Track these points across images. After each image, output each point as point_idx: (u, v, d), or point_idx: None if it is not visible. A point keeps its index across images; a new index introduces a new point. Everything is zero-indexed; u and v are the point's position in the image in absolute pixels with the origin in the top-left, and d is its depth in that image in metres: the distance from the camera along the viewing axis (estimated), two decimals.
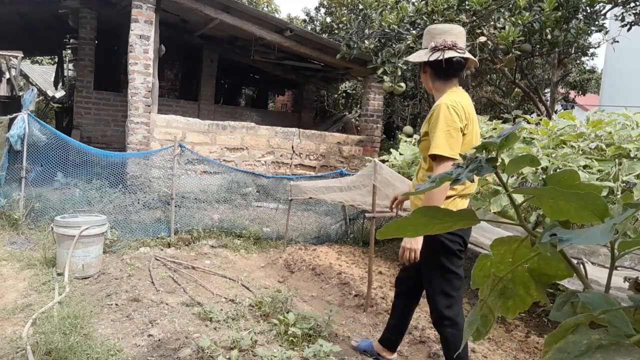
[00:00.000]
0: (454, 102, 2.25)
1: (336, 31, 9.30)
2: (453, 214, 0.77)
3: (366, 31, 6.87)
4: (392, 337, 2.79)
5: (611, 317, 0.59)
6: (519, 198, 3.24)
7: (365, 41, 6.79)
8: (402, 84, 6.35)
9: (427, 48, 2.37)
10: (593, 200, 0.66)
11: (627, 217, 0.61)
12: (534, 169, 3.31)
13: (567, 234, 0.61)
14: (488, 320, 0.84)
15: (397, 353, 2.85)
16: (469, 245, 3.87)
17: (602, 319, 0.60)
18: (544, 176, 2.77)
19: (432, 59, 2.31)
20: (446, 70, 2.34)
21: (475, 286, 0.88)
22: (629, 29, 6.17)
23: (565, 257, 0.74)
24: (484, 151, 0.76)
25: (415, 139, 5.66)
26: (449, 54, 2.29)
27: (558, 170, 3.20)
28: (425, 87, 2.57)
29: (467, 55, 2.35)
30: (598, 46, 8.73)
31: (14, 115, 5.22)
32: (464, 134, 2.26)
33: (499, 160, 0.75)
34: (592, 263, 2.51)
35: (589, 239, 0.58)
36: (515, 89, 10.15)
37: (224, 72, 11.93)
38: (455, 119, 2.21)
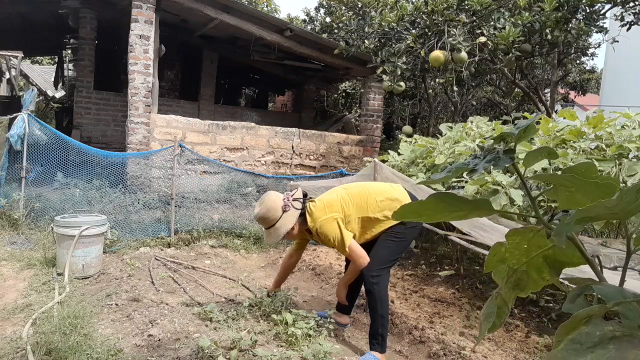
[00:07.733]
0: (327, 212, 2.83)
1: (336, 31, 9.28)
2: (468, 202, 0.76)
3: (366, 29, 6.85)
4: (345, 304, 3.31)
5: (625, 309, 0.59)
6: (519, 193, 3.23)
7: (365, 40, 6.78)
8: (402, 84, 6.34)
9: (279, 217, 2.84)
10: (611, 190, 0.65)
11: None
12: (541, 166, 3.30)
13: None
14: (502, 312, 0.83)
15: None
16: (468, 245, 3.87)
17: (616, 310, 0.60)
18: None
19: (298, 207, 2.85)
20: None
21: (488, 270, 0.86)
22: (628, 29, 6.16)
23: (582, 252, 0.74)
24: (501, 142, 0.74)
25: (415, 139, 5.65)
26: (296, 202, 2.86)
27: (558, 170, 3.20)
28: (296, 234, 2.98)
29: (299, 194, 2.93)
30: (598, 46, 8.72)
31: (14, 115, 5.22)
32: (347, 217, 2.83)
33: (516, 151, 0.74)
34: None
35: None
36: (515, 89, 10.14)
37: (224, 72, 11.91)
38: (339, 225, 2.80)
